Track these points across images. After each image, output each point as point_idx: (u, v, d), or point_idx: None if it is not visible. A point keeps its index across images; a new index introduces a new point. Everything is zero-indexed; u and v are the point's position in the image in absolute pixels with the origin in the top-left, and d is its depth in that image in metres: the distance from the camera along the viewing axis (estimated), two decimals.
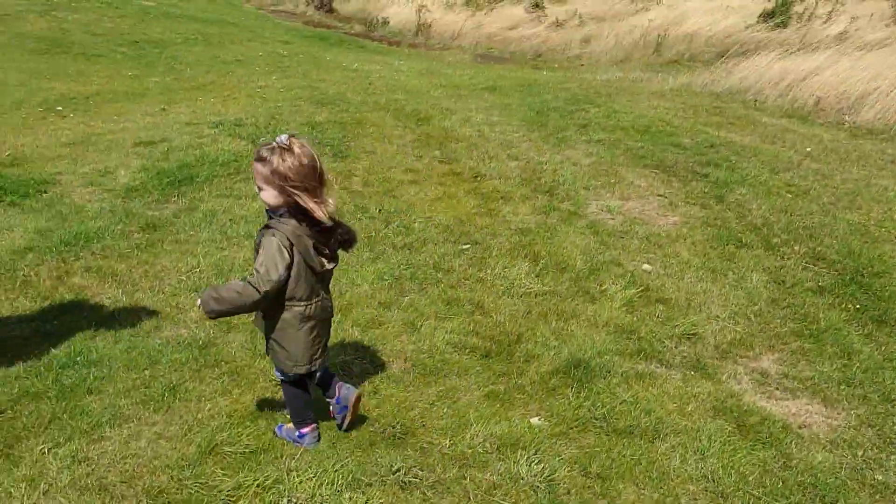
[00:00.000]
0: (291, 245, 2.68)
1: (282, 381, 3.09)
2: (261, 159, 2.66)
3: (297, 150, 2.65)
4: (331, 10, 27.24)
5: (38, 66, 12.72)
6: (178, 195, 6.08)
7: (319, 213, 2.66)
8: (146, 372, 3.62)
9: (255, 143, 7.58)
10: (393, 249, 5.20)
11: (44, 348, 3.77)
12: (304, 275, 2.76)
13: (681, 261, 5.33)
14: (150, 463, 2.98)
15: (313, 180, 2.65)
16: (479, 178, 6.95)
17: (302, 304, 2.82)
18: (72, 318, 4.10)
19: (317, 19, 24.89)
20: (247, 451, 3.08)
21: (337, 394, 3.14)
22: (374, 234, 5.42)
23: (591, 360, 3.95)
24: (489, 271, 4.97)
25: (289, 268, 2.70)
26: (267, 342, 2.98)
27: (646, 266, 5.22)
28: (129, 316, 4.16)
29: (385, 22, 22.82)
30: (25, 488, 2.79)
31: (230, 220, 5.58)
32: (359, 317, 4.23)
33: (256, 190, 2.74)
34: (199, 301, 2.78)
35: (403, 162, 7.28)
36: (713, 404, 3.68)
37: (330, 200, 2.70)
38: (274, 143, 2.67)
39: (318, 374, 3.10)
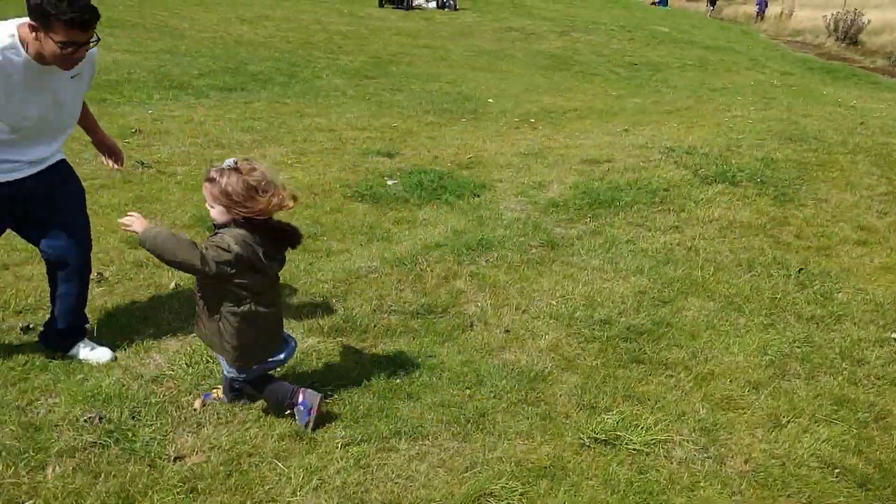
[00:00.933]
0: (240, 251, 2.75)
1: (244, 384, 3.09)
2: (210, 180, 2.77)
3: (244, 171, 2.73)
4: (854, 43, 24.52)
5: (539, 80, 13.61)
6: (591, 216, 5.84)
7: (267, 216, 2.77)
8: (467, 391, 3.44)
9: (696, 173, 6.99)
10: (795, 319, 4.24)
11: (396, 343, 3.83)
12: (252, 276, 2.84)
13: None
14: (415, 492, 2.78)
15: (258, 198, 2.73)
16: None
17: (247, 304, 2.88)
18: (433, 318, 4.12)
19: (834, 51, 22.59)
20: None
21: (302, 398, 3.08)
22: (779, 296, 4.51)
23: None
24: None
25: (233, 264, 2.76)
26: (217, 345, 3.00)
27: None
28: (484, 329, 4.04)
29: None
30: (303, 477, 2.80)
31: (630, 251, 5.15)
32: (714, 391, 3.49)
33: (207, 208, 2.82)
34: (143, 225, 2.82)
35: (859, 217, 6.00)
36: None
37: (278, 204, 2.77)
38: (223, 166, 2.76)
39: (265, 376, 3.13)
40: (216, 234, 2.85)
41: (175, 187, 5.92)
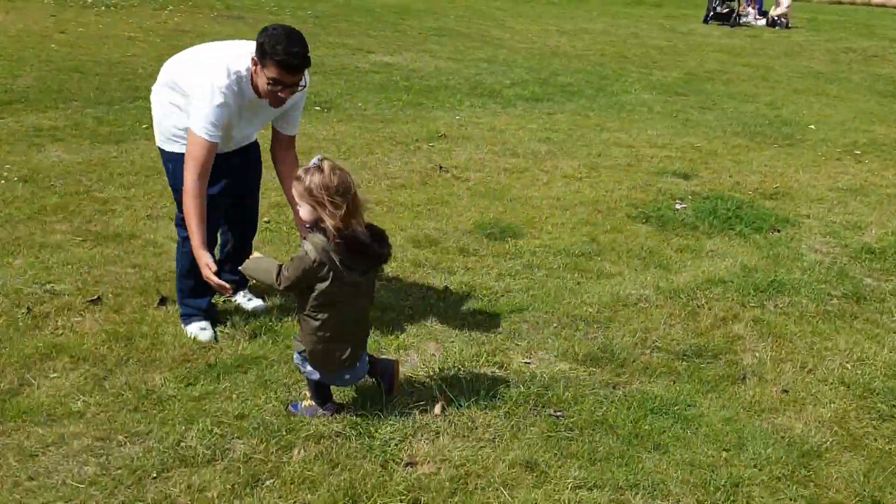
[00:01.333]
0: (318, 258, 2.77)
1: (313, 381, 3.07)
2: (297, 178, 2.85)
3: (326, 170, 2.78)
4: None
5: (873, 107, 12.03)
6: None
7: (331, 223, 2.75)
8: (724, 454, 3.00)
9: None
10: None
11: (654, 385, 3.50)
12: (332, 282, 2.82)
13: None
14: None
15: (338, 199, 2.75)
16: None
17: (325, 312, 2.88)
18: (701, 363, 3.70)
19: None
20: None
21: (378, 369, 3.20)
22: None
23: None
24: None
25: (308, 273, 2.79)
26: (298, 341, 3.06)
27: None
28: (758, 384, 3.54)
29: None
30: None
31: None
32: None
33: (297, 208, 2.92)
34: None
35: None
36: None
37: (353, 221, 2.80)
38: (310, 164, 2.82)
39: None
40: (303, 240, 2.90)
41: (465, 192, 6.04)
